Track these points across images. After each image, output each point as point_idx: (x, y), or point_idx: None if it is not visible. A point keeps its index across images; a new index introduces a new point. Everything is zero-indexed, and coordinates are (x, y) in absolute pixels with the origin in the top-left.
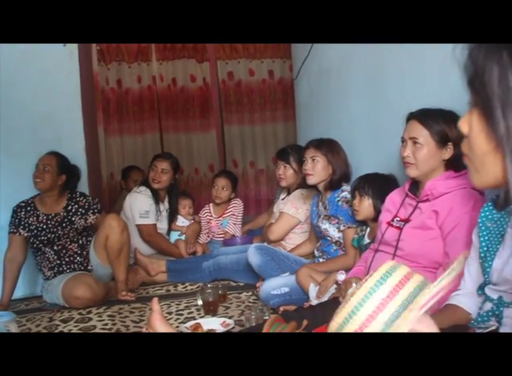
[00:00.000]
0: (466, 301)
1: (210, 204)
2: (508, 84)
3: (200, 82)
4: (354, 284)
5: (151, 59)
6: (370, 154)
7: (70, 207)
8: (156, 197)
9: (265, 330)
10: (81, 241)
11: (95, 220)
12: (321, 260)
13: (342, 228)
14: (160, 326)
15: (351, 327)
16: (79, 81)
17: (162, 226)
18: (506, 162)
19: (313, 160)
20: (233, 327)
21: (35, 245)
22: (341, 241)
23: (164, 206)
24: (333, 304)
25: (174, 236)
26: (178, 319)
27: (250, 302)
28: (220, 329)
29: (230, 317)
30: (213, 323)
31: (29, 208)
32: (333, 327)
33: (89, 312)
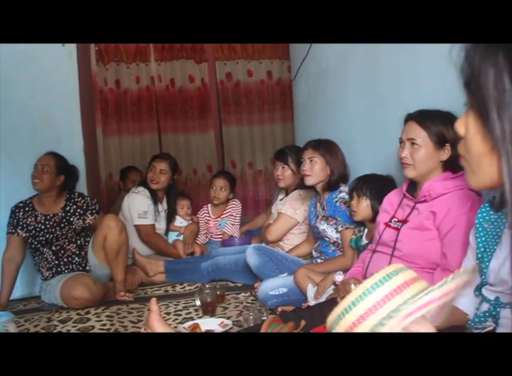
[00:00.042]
0: (464, 301)
1: (209, 205)
2: (503, 86)
3: (198, 83)
4: (352, 285)
5: (149, 59)
6: (368, 155)
7: (68, 208)
8: (155, 198)
9: (262, 331)
10: (79, 242)
11: (93, 221)
12: (319, 261)
13: (340, 229)
14: (158, 326)
15: (342, 326)
16: (77, 82)
17: (160, 227)
18: (502, 163)
19: (311, 161)
20: (231, 328)
21: (33, 245)
22: (339, 242)
23: (163, 206)
24: (331, 304)
25: (172, 236)
26: (177, 319)
27: (248, 303)
28: (218, 329)
29: (228, 318)
30: (211, 324)
31: (27, 209)
32: (328, 324)
33: (87, 313)
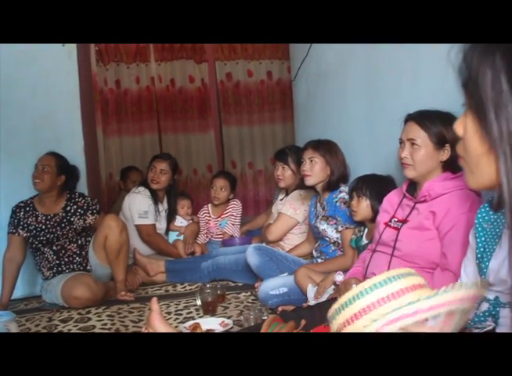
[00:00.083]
0: None
1: (209, 205)
2: (501, 87)
3: (198, 83)
4: (354, 285)
5: (149, 59)
6: (368, 155)
7: (68, 208)
8: (155, 198)
9: (263, 330)
10: (80, 241)
11: (93, 221)
12: (319, 260)
13: (340, 228)
14: (159, 325)
15: (338, 320)
16: (78, 82)
17: (161, 226)
18: (500, 164)
19: (311, 161)
20: (232, 327)
21: (34, 245)
22: (339, 242)
23: (163, 206)
24: (331, 304)
25: (172, 236)
26: (177, 319)
27: (248, 302)
28: (219, 329)
29: (229, 317)
30: (212, 323)
31: (28, 209)
32: (328, 315)
33: (88, 312)
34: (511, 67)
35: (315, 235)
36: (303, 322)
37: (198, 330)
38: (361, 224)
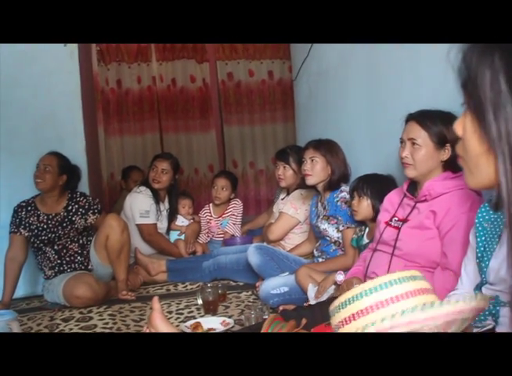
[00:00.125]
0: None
1: (210, 204)
2: (499, 87)
3: (199, 83)
4: (356, 285)
5: (151, 59)
6: (369, 155)
7: (70, 207)
8: (157, 197)
9: (264, 329)
10: (81, 241)
11: (95, 220)
12: (320, 260)
13: (341, 228)
14: (160, 324)
15: (337, 317)
16: (79, 82)
17: (162, 226)
18: (498, 163)
19: (312, 160)
20: (233, 326)
21: (36, 245)
22: (340, 241)
23: (164, 206)
24: None
25: (173, 235)
26: (179, 318)
27: (249, 302)
28: (220, 328)
29: (230, 316)
30: (213, 322)
31: (30, 208)
32: (330, 309)
33: (90, 312)
34: (510, 68)
35: (316, 234)
36: (304, 321)
37: (199, 330)
38: (362, 223)
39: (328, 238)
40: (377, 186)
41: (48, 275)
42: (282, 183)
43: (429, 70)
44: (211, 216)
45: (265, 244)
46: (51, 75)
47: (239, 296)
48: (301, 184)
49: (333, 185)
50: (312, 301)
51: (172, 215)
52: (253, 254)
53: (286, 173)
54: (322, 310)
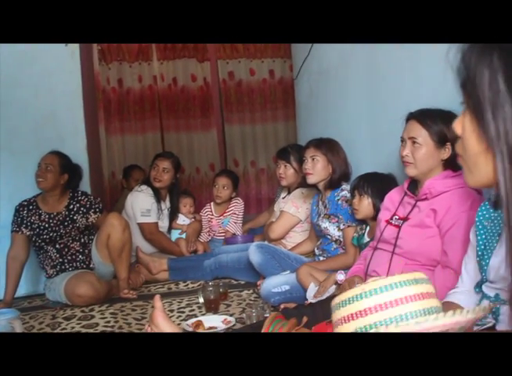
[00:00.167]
0: (464, 298)
1: (211, 203)
2: (498, 87)
3: (200, 82)
4: (358, 284)
5: (152, 58)
6: (370, 154)
7: (71, 206)
8: (158, 196)
9: (265, 327)
10: (83, 240)
11: (96, 219)
12: (321, 258)
13: (342, 227)
14: (162, 323)
15: (337, 315)
16: (80, 81)
17: (163, 225)
18: (497, 162)
19: (313, 159)
20: (234, 325)
21: (37, 244)
22: (341, 240)
23: (166, 205)
24: None
25: (174, 234)
26: (180, 316)
27: (251, 300)
28: (221, 326)
29: (231, 315)
30: (214, 321)
31: (31, 207)
32: (332, 305)
33: (92, 310)
34: (508, 67)
35: (317, 233)
36: (304, 319)
37: (201, 328)
38: (362, 222)
39: (329, 237)
40: (378, 184)
41: (50, 274)
42: (283, 182)
43: (429, 70)
44: (212, 215)
45: (266, 242)
46: (52, 75)
47: (240, 294)
48: (302, 183)
49: (333, 184)
50: (312, 301)
51: (173, 213)
52: (254, 253)
53: (287, 172)
54: (323, 308)
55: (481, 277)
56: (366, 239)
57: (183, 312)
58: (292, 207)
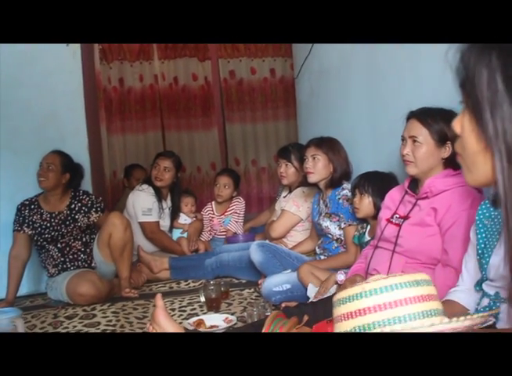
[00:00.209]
0: (464, 297)
1: (213, 202)
2: (496, 86)
3: (201, 81)
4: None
5: (153, 58)
6: (370, 153)
7: (73, 206)
8: (159, 195)
9: (266, 326)
10: (84, 239)
11: (97, 218)
12: (322, 257)
13: (343, 225)
14: (164, 321)
15: (337, 312)
16: (82, 81)
17: (164, 224)
18: (495, 161)
19: (314, 158)
20: (235, 323)
21: (39, 243)
22: (342, 239)
23: (167, 204)
24: None
25: (176, 233)
26: (181, 315)
27: (252, 299)
28: (222, 325)
29: (232, 313)
30: (215, 320)
31: (33, 206)
32: (333, 300)
33: (93, 309)
34: (507, 67)
35: (318, 232)
36: (305, 318)
37: (202, 327)
38: (363, 221)
39: (330, 235)
40: (379, 183)
41: (52, 273)
42: (284, 181)
43: (429, 70)
44: (214, 214)
45: (267, 241)
46: (53, 75)
47: (241, 293)
48: (303, 182)
49: (334, 182)
50: (313, 300)
51: (175, 213)
52: (255, 252)
53: (288, 171)
54: (324, 307)
55: (481, 276)
56: (367, 238)
57: (184, 311)
58: (293, 206)
